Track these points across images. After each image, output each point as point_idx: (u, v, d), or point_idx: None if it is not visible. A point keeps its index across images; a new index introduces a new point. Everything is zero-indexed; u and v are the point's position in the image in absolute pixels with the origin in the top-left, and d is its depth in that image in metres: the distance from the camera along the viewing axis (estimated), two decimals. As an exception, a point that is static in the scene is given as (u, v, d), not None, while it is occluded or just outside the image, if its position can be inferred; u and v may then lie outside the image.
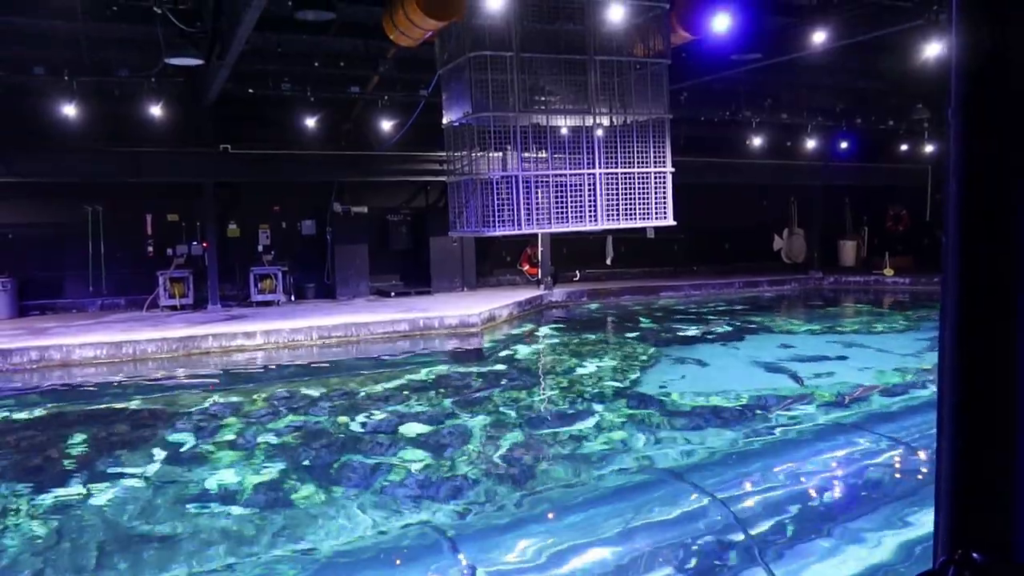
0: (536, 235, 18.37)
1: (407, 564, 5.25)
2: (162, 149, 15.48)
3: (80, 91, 13.39)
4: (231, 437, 8.08)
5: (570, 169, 10.89)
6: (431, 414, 8.83)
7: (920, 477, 6.66)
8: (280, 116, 16.14)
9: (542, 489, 6.49)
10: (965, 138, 1.16)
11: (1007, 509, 1.13)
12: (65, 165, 14.94)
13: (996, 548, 1.13)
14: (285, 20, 10.66)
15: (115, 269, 16.41)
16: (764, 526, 5.61)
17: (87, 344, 11.97)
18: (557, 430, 8.17)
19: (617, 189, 11.09)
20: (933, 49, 11.87)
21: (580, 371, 11.16)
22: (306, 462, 7.21)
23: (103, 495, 6.46)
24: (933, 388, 5.22)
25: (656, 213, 11.35)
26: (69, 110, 13.50)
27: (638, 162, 11.21)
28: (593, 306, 18.79)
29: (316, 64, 13.99)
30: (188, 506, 6.18)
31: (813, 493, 6.38)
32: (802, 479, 6.71)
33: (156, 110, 14.20)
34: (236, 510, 6.09)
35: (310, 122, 16.04)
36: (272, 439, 7.95)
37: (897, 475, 6.94)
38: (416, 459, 7.24)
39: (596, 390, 10.00)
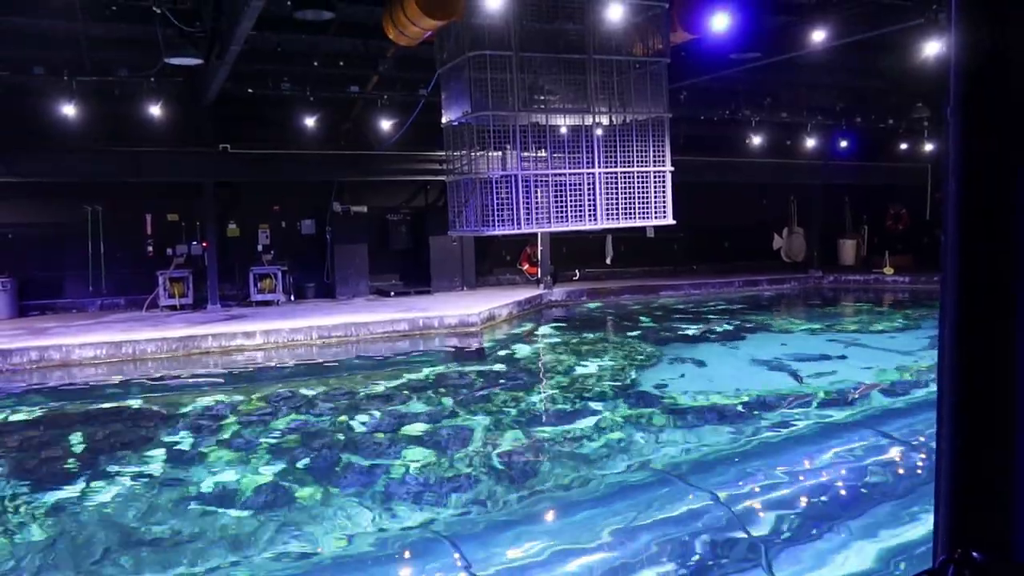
0: (536, 234, 18.36)
1: (407, 563, 5.25)
2: (162, 149, 15.48)
3: (80, 91, 13.38)
4: (231, 437, 8.08)
5: (569, 168, 10.88)
6: (431, 413, 8.83)
7: (920, 476, 6.67)
8: (280, 116, 16.13)
9: (542, 488, 6.49)
10: (964, 137, 1.16)
11: (1006, 508, 1.13)
12: (65, 165, 14.94)
13: (995, 547, 1.13)
14: (284, 20, 10.66)
15: (115, 269, 16.40)
16: (765, 525, 5.61)
17: (87, 344, 11.96)
18: (557, 429, 8.17)
19: (617, 188, 11.09)
20: (933, 48, 11.87)
21: (580, 370, 11.16)
22: (306, 462, 7.21)
23: (103, 495, 6.46)
24: (933, 387, 5.23)
25: (656, 212, 11.36)
26: (69, 110, 13.49)
27: (638, 161, 11.20)
28: (593, 305, 18.78)
29: (315, 64, 13.99)
30: (189, 506, 6.18)
31: (813, 492, 6.38)
32: (802, 478, 6.72)
33: (156, 110, 14.20)
34: (236, 510, 6.09)
35: (309, 122, 16.03)
36: (272, 439, 7.96)
37: (897, 474, 6.94)
38: (416, 458, 7.24)
39: (596, 389, 10.00)
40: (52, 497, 6.41)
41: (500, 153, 10.72)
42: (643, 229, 16.47)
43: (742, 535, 5.42)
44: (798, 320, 16.51)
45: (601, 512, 5.83)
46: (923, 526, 5.39)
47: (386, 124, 16.22)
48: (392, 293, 17.99)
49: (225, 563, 5.17)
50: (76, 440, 8.10)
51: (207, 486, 6.63)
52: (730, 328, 14.90)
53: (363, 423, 8.53)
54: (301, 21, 10.21)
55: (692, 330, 14.76)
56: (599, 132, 11.06)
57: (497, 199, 10.52)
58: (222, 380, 11.07)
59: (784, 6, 12.40)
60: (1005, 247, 1.12)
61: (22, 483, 6.78)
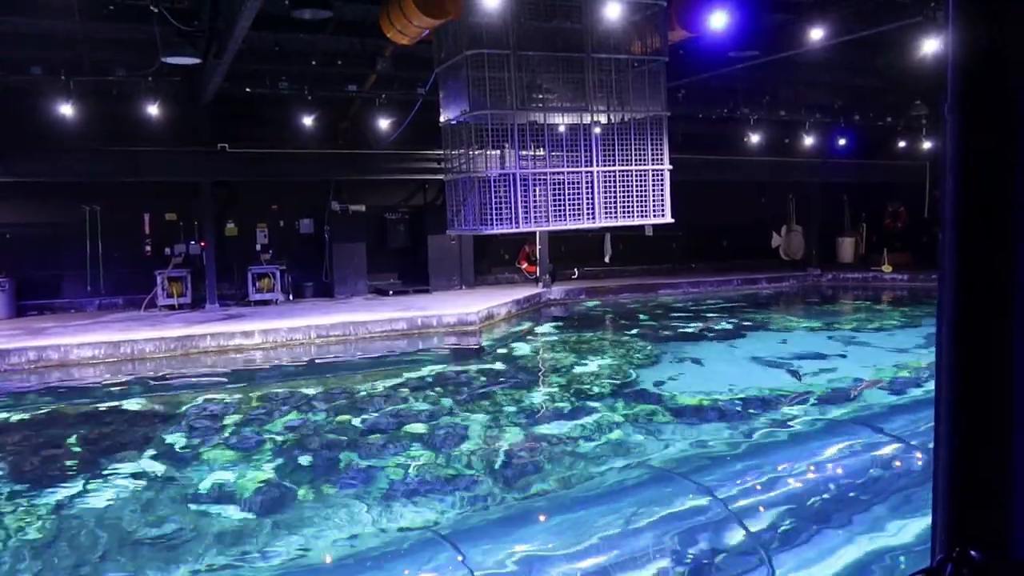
0: (534, 233, 18.36)
1: (406, 563, 5.24)
2: (159, 148, 15.45)
3: (77, 91, 13.36)
4: (230, 436, 8.08)
5: (568, 167, 10.87)
6: (430, 412, 8.83)
7: (918, 474, 6.67)
8: (277, 115, 16.11)
9: (542, 487, 6.49)
10: (962, 134, 1.16)
11: (1004, 506, 1.13)
12: (62, 165, 14.91)
13: (993, 545, 1.13)
14: (282, 19, 10.64)
15: (113, 269, 16.38)
16: (764, 523, 5.61)
17: (85, 344, 11.95)
18: (556, 428, 8.17)
19: (615, 187, 11.09)
20: (931, 46, 11.87)
21: (579, 369, 11.16)
22: (305, 461, 7.21)
23: (102, 495, 6.45)
24: (931, 385, 5.23)
25: (654, 211, 11.35)
26: (66, 110, 13.47)
27: (636, 160, 11.19)
28: (591, 304, 18.79)
29: (313, 63, 13.97)
30: (188, 505, 6.18)
31: (813, 490, 6.38)
32: (802, 475, 6.72)
33: (153, 109, 14.18)
34: (235, 509, 6.09)
35: (307, 121, 16.01)
36: (271, 438, 7.95)
37: (896, 472, 6.94)
38: (415, 457, 7.24)
39: (595, 388, 10.00)
40: (51, 497, 6.41)
41: (498, 152, 10.70)
42: (641, 228, 16.45)
43: (742, 533, 5.42)
44: (797, 318, 16.51)
45: (601, 510, 5.83)
46: (921, 524, 5.39)
47: (384, 123, 16.20)
48: (390, 292, 17.98)
49: (224, 563, 5.17)
50: (74, 440, 8.09)
51: (206, 486, 6.63)
52: (729, 326, 14.90)
53: (362, 422, 8.52)
54: (299, 20, 10.19)
55: (691, 328, 14.77)
56: (597, 131, 11.05)
57: (495, 198, 10.51)
58: (221, 380, 11.06)
59: (782, 4, 12.40)
60: (1003, 245, 1.12)
61: (21, 483, 6.77)
